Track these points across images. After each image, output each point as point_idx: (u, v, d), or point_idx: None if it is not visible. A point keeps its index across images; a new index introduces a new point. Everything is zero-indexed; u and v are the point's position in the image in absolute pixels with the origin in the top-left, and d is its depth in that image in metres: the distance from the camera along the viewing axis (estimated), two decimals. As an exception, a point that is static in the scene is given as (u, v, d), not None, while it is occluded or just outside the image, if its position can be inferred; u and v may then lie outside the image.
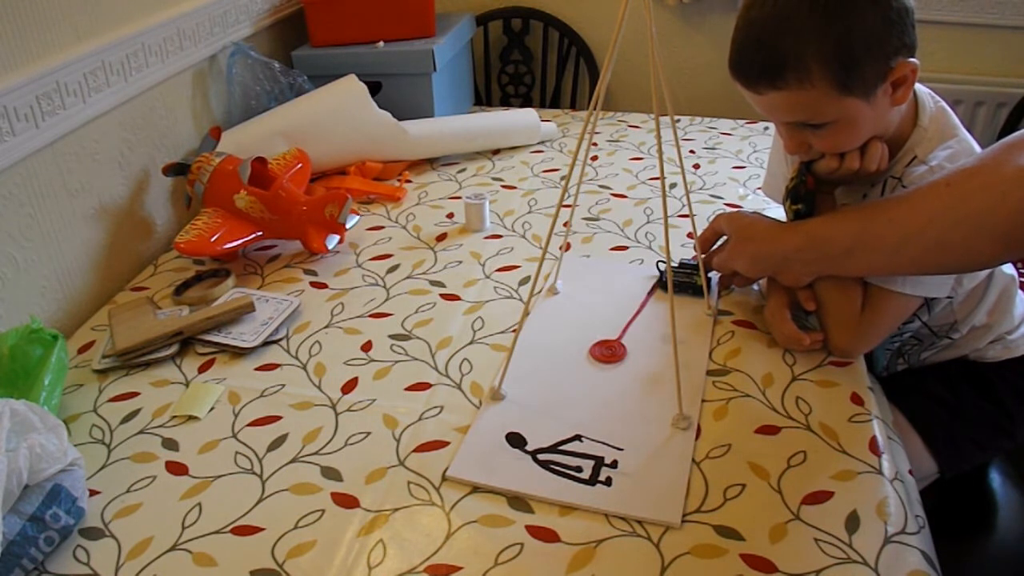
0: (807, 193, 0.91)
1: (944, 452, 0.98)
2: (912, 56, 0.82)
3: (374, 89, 1.46)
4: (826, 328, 0.91)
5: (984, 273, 0.96)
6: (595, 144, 1.53)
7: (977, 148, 0.88)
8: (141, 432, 0.84)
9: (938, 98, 0.92)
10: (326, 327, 1.00)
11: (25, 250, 0.99)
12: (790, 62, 0.79)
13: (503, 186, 1.37)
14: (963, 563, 0.95)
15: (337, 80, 1.39)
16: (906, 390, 1.01)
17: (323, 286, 1.09)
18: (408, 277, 1.10)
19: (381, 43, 1.50)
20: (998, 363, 1.02)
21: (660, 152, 0.78)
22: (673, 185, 1.34)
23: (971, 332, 1.00)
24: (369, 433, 0.82)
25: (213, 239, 1.09)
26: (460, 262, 1.14)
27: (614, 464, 0.77)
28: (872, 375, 0.90)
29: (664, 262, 1.08)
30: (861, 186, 0.94)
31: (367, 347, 0.96)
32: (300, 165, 1.25)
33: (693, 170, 1.40)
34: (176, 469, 0.79)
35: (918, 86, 0.90)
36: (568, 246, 1.16)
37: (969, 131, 0.91)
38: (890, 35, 0.79)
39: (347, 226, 1.17)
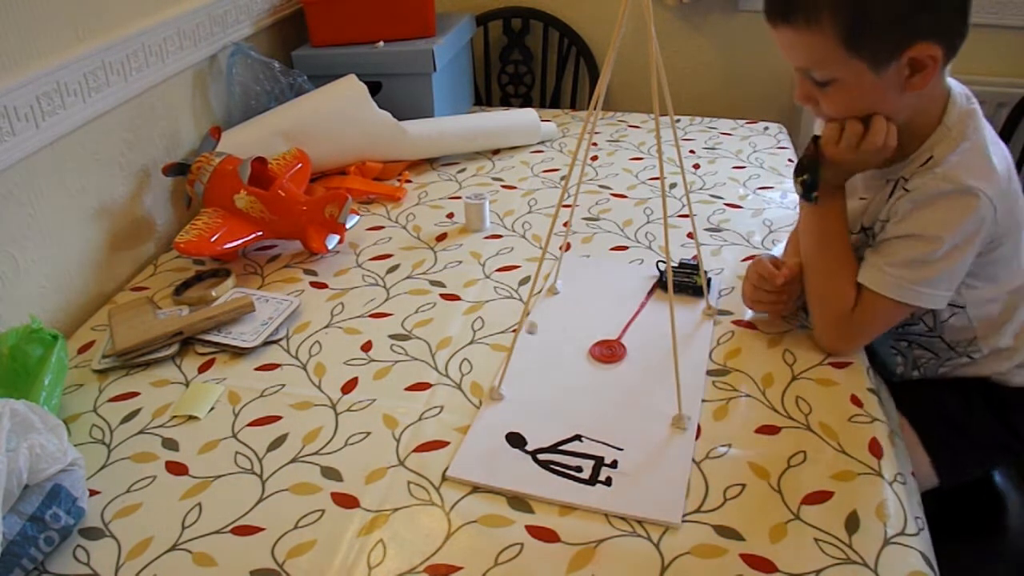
0: (811, 163, 0.89)
1: (947, 468, 0.95)
2: (942, 45, 0.78)
3: (374, 89, 1.46)
4: (814, 325, 0.91)
5: (1016, 285, 0.92)
6: (595, 144, 1.53)
7: (992, 154, 0.84)
8: (141, 432, 0.84)
9: (974, 99, 0.87)
10: (326, 327, 1.00)
11: (25, 250, 0.99)
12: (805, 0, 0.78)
13: (503, 186, 1.37)
14: (964, 566, 0.94)
15: (337, 80, 1.39)
16: (919, 402, 0.98)
17: (323, 286, 1.09)
18: (408, 277, 1.10)
19: (381, 43, 1.50)
20: (1021, 389, 0.97)
21: (660, 152, 0.78)
22: (673, 185, 1.34)
23: (994, 354, 0.96)
24: (369, 433, 0.82)
25: (213, 239, 1.09)
26: (460, 262, 1.13)
27: (614, 464, 0.77)
28: (880, 378, 0.90)
29: (664, 262, 1.08)
30: (875, 181, 0.92)
31: (367, 347, 0.96)
32: (300, 165, 1.25)
33: (693, 170, 1.40)
34: (176, 469, 0.79)
35: (955, 84, 0.87)
36: (568, 246, 1.16)
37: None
38: (919, 12, 0.76)
39: (347, 226, 1.17)
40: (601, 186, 1.35)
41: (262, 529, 0.72)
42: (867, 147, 0.84)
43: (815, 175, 0.89)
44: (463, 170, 1.44)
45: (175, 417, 0.86)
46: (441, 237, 1.21)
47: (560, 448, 0.79)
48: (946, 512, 0.87)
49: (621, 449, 0.79)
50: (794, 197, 1.29)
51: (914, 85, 0.80)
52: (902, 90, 0.81)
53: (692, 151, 1.48)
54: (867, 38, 0.77)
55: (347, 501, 0.74)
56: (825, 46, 0.79)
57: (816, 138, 0.89)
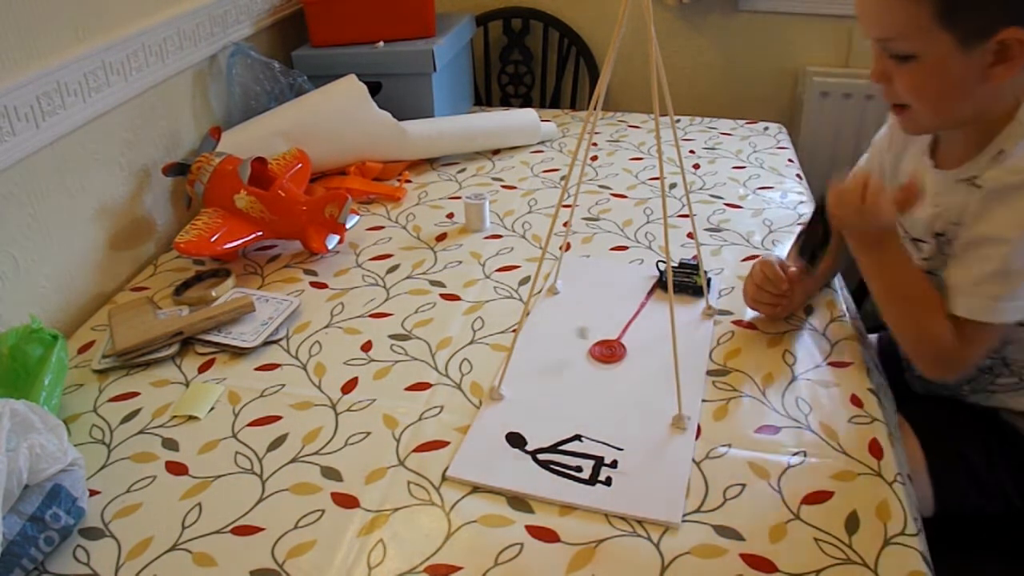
0: (815, 242, 0.92)
1: (946, 501, 0.91)
2: None
3: (374, 89, 1.46)
4: (915, 362, 0.87)
5: None
6: (595, 144, 1.53)
7: None
8: (141, 432, 0.84)
9: None
10: (326, 327, 1.00)
11: (25, 250, 0.99)
12: None
13: (503, 186, 1.37)
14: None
15: (337, 80, 1.39)
16: (942, 427, 0.94)
17: (323, 286, 1.09)
18: (408, 277, 1.10)
19: (381, 43, 1.50)
20: None
21: (660, 152, 0.78)
22: (673, 185, 1.34)
23: None
24: (369, 433, 0.82)
25: (213, 239, 1.09)
26: (460, 262, 1.14)
27: (614, 464, 0.77)
28: (886, 383, 0.90)
29: (664, 262, 1.08)
30: (945, 186, 0.87)
31: (367, 347, 0.96)
32: (300, 165, 1.25)
33: (693, 170, 1.40)
34: (176, 469, 0.79)
35: None
36: (568, 246, 1.16)
37: None
38: None
39: (347, 226, 1.17)
40: (601, 186, 1.35)
41: (262, 529, 0.72)
42: (869, 208, 0.82)
43: (820, 252, 0.93)
44: (463, 170, 1.44)
45: (175, 417, 0.86)
46: (441, 237, 1.21)
47: (560, 448, 0.79)
48: (945, 521, 0.86)
49: (621, 449, 0.79)
50: (794, 197, 1.29)
51: (996, 75, 0.77)
52: (982, 79, 0.77)
53: (692, 151, 1.48)
54: (964, 9, 0.74)
55: (347, 501, 0.74)
56: (917, 14, 0.75)
57: (819, 211, 0.89)
